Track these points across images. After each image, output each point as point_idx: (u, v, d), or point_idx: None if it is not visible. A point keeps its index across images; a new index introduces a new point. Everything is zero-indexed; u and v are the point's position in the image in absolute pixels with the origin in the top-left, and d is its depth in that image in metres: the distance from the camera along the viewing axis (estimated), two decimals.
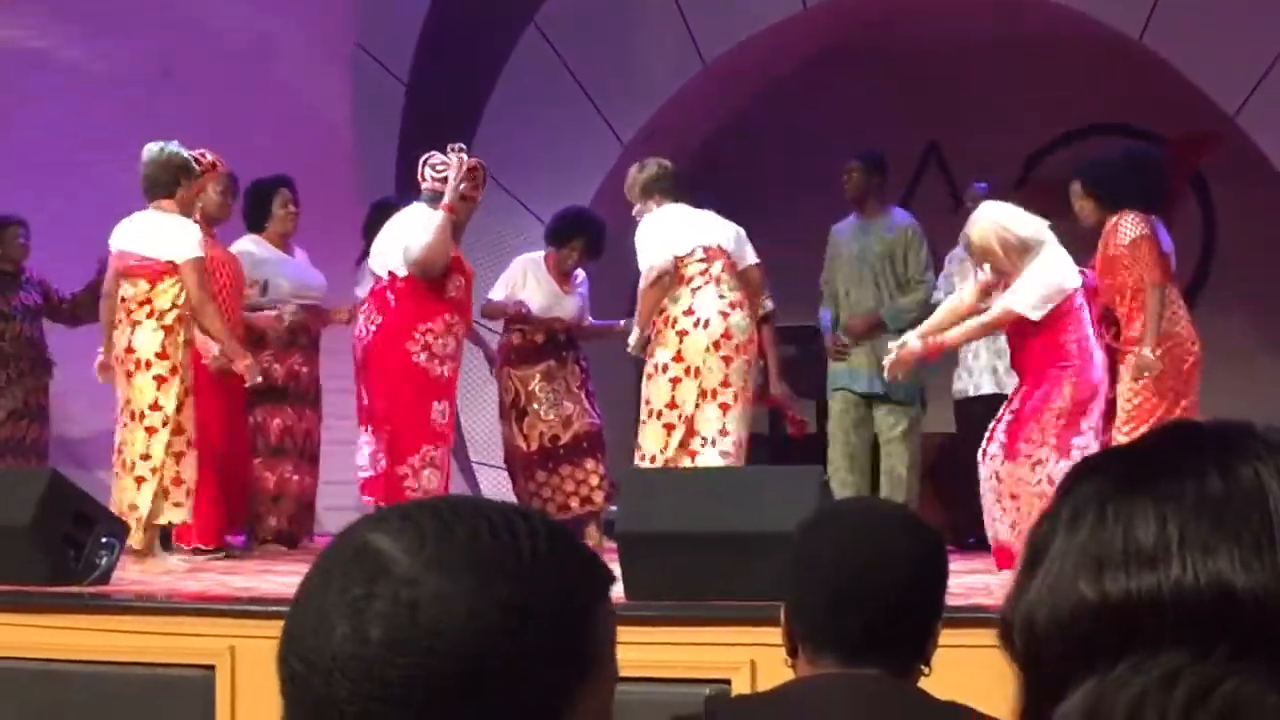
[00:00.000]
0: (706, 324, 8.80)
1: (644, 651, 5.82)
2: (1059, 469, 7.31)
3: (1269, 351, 11.73)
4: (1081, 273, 7.87)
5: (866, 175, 10.07)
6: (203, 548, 9.15)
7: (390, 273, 8.89)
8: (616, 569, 6.43)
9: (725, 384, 8.76)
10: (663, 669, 5.87)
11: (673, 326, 8.83)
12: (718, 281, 8.88)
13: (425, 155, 9.12)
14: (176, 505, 8.38)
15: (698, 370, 8.75)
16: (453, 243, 8.93)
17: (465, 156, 8.98)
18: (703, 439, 8.74)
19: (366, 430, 8.95)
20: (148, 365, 8.39)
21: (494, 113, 11.92)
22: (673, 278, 8.87)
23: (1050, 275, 7.60)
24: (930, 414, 10.19)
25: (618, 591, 6.03)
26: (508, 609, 1.27)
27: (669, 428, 8.78)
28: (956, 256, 9.89)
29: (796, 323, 10.52)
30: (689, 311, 8.83)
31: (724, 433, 8.74)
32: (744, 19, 11.55)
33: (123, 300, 8.50)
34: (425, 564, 1.27)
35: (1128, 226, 8.10)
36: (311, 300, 9.99)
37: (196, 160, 9.03)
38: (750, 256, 9.09)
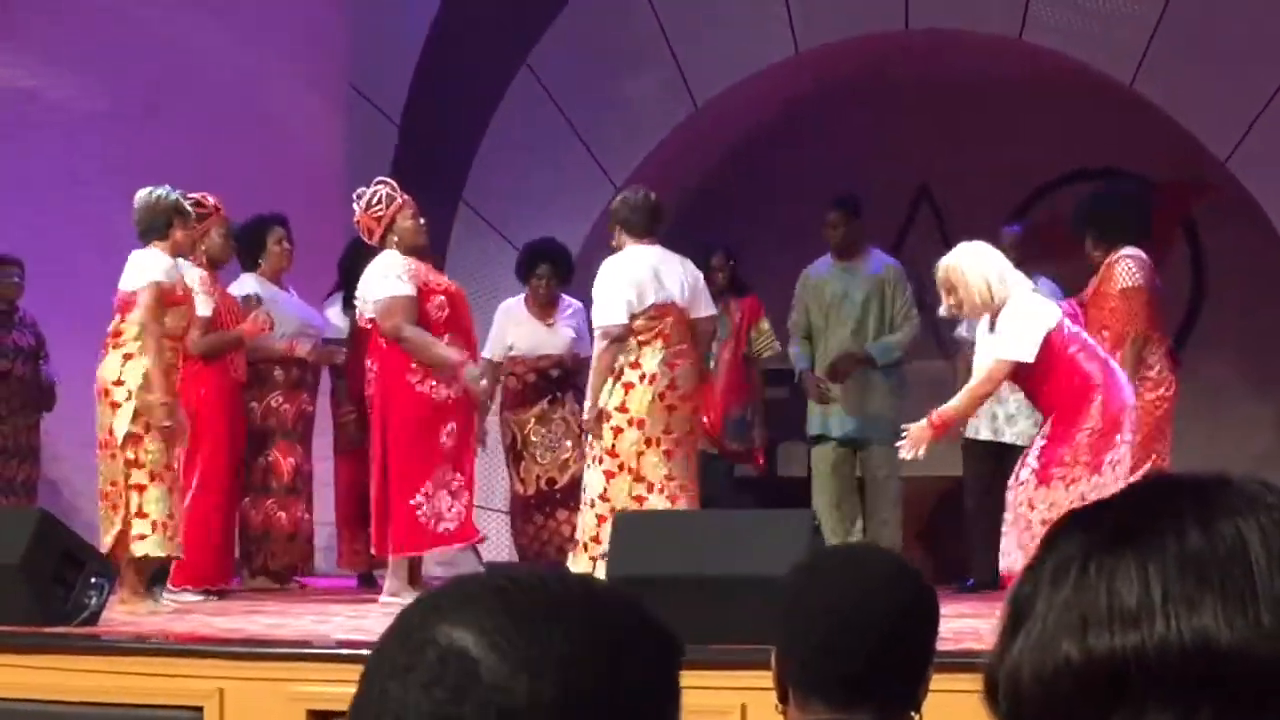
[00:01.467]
0: (653, 379, 8.90)
1: None
2: (1094, 483, 7.30)
3: (1257, 394, 11.74)
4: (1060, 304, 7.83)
5: (849, 223, 10.08)
6: (193, 589, 9.13)
7: (371, 320, 8.96)
8: None
9: (667, 431, 8.89)
10: None
11: (619, 379, 8.92)
12: (666, 337, 8.96)
13: (357, 195, 9.15)
14: (141, 538, 8.31)
15: (642, 422, 8.86)
16: (424, 270, 8.94)
17: (357, 205, 9.05)
18: (648, 484, 8.84)
19: (385, 473, 8.93)
20: (105, 393, 8.39)
21: (486, 154, 11.94)
22: (628, 332, 8.93)
23: (1029, 313, 7.58)
24: (933, 457, 10.19)
25: None
26: (598, 706, 1.26)
27: (609, 475, 8.87)
28: None
29: (787, 366, 10.53)
30: (635, 365, 8.93)
31: (670, 477, 8.85)
32: (736, 61, 11.57)
33: (107, 334, 8.55)
34: (513, 668, 1.24)
35: (1124, 273, 8.13)
36: (313, 337, 10.04)
37: (199, 203, 9.06)
38: (704, 308, 9.16)
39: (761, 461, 10.61)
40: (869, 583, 2.77)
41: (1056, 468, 7.52)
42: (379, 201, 9.01)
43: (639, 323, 8.94)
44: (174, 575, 9.01)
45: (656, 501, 8.80)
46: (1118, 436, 7.52)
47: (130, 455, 8.32)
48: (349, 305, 10.02)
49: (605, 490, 8.87)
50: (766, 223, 11.87)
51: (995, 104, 11.96)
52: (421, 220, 9.08)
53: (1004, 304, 7.56)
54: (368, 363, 9.04)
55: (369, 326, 9.00)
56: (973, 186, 11.75)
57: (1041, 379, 7.64)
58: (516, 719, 1.24)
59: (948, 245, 12.17)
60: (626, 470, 8.85)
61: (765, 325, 10.40)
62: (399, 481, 8.83)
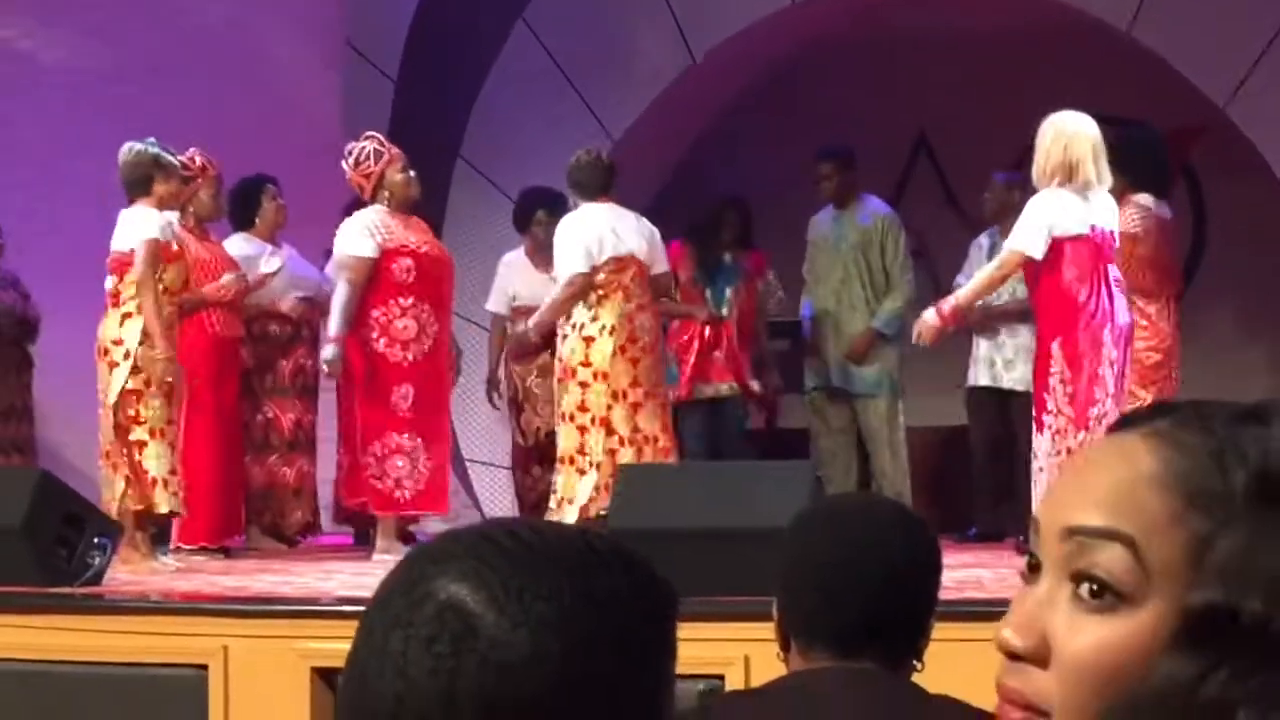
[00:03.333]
0: (612, 330, 9.00)
1: None
2: (1080, 439, 7.31)
3: (1257, 344, 11.74)
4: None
5: (842, 173, 10.09)
6: (209, 546, 9.15)
7: None
8: None
9: (634, 384, 8.98)
10: None
11: (580, 332, 9.02)
12: (626, 290, 9.06)
13: (347, 151, 9.15)
14: (138, 496, 8.33)
15: (606, 375, 8.95)
16: (403, 228, 8.94)
17: (346, 162, 9.06)
18: (619, 438, 8.93)
19: (342, 428, 9.03)
20: (105, 351, 8.40)
21: (482, 109, 11.92)
22: (589, 283, 9.03)
23: (1044, 213, 7.58)
24: (935, 406, 10.20)
25: None
26: (595, 660, 1.27)
27: (582, 430, 8.97)
28: (978, 244, 9.91)
29: (789, 318, 10.53)
30: (595, 318, 9.04)
31: (637, 429, 8.96)
32: (733, 12, 11.54)
33: (106, 295, 8.55)
34: (512, 623, 1.25)
35: (1126, 220, 8.12)
36: (306, 293, 10.02)
37: (187, 163, 9.03)
38: (661, 264, 9.27)
39: (773, 410, 10.66)
40: (872, 531, 2.76)
41: (1045, 414, 7.54)
42: (367, 158, 9.00)
43: (601, 275, 9.04)
44: (177, 533, 9.02)
45: (627, 454, 8.90)
46: (1096, 390, 7.51)
47: (130, 412, 8.33)
48: None
49: (581, 445, 8.96)
50: (765, 174, 11.84)
51: (993, 53, 11.93)
52: (412, 173, 9.07)
53: (1045, 187, 7.59)
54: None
55: None
56: (971, 136, 11.72)
57: (1038, 288, 7.68)
58: (515, 673, 1.24)
59: (947, 195, 12.25)
60: (598, 424, 8.95)
61: (771, 277, 10.42)
62: (356, 436, 8.88)
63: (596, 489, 8.90)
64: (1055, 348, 7.55)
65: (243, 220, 9.95)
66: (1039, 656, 1.17)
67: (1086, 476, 1.19)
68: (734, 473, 7.44)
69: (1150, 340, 8.33)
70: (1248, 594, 1.09)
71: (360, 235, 8.91)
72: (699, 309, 10.11)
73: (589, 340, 9.01)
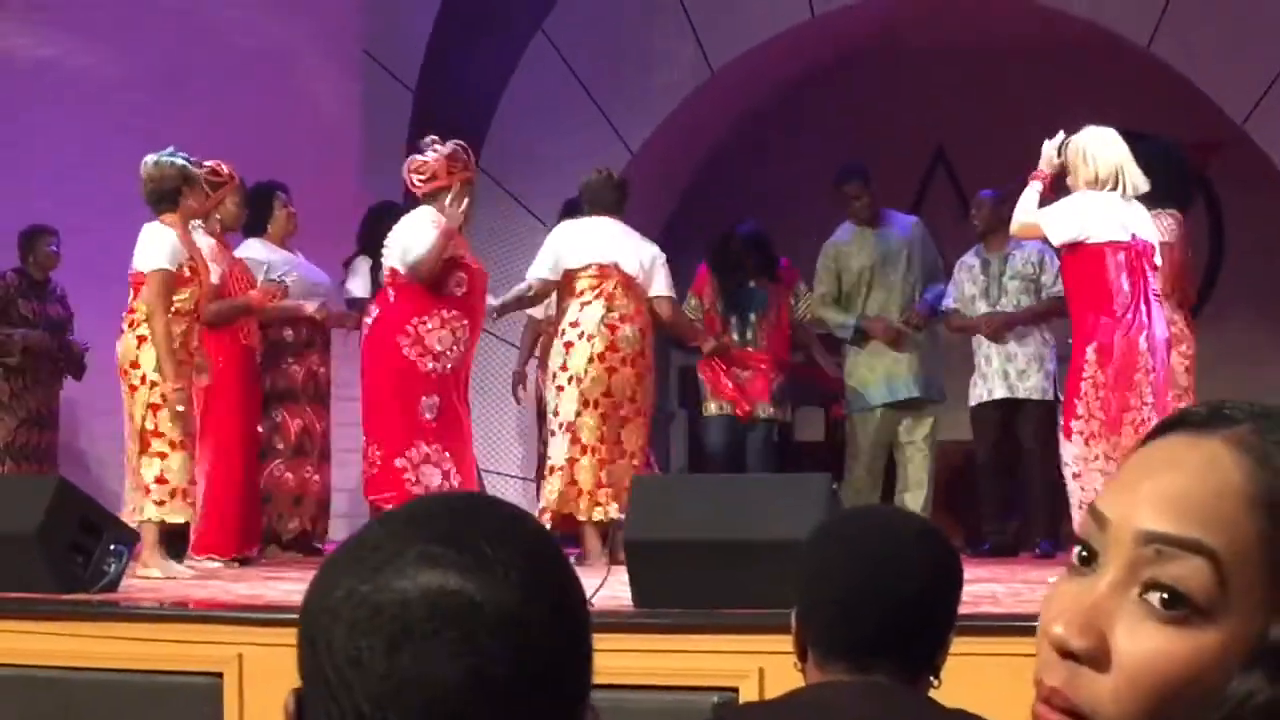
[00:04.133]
0: (590, 337, 9.05)
1: (651, 659, 5.82)
2: (1114, 443, 7.31)
3: (1275, 356, 11.72)
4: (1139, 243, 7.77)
5: (869, 190, 10.07)
6: (216, 557, 9.15)
7: (392, 269, 8.92)
8: (624, 575, 6.43)
9: (607, 394, 9.04)
10: (670, 676, 5.86)
11: (561, 338, 9.13)
12: (610, 298, 9.10)
13: (408, 161, 9.11)
14: (159, 504, 8.34)
15: (579, 380, 9.02)
16: (458, 239, 8.94)
17: (439, 148, 8.95)
18: (581, 446, 9.02)
19: (366, 433, 8.99)
20: (124, 372, 8.42)
21: (501, 120, 11.93)
22: (549, 288, 9.20)
23: (1084, 210, 7.61)
24: (945, 422, 10.20)
25: (626, 599, 6.00)
26: (557, 572, 1.31)
27: (552, 434, 9.15)
28: (965, 264, 9.93)
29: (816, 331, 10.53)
30: (574, 324, 9.11)
31: (602, 440, 9.03)
32: (752, 26, 11.55)
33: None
34: (496, 578, 1.27)
35: (1163, 229, 8.15)
36: (320, 298, 10.05)
37: (214, 172, 9.05)
38: (661, 287, 9.27)
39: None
40: (892, 544, 2.76)
41: (1074, 420, 7.53)
42: (460, 160, 8.96)
43: (582, 281, 9.10)
44: (195, 543, 9.02)
45: (586, 464, 8.98)
46: (1130, 398, 7.51)
47: (150, 425, 8.35)
48: (377, 270, 10.07)
49: (554, 451, 9.10)
50: (783, 186, 11.86)
51: (1011, 66, 11.93)
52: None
53: (1088, 190, 7.61)
54: (375, 311, 9.01)
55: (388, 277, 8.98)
56: (988, 149, 11.71)
57: (1072, 288, 7.74)
58: (523, 629, 1.26)
59: (964, 208, 12.24)
60: (565, 429, 9.03)
61: (802, 288, 10.36)
62: (384, 439, 8.84)
63: (561, 496, 8.95)
64: (1090, 352, 7.55)
65: (254, 227, 9.97)
66: (1096, 658, 1.13)
67: (1166, 478, 1.15)
68: (749, 485, 7.44)
69: (1179, 346, 8.32)
70: None
71: (431, 225, 8.86)
72: (706, 339, 10.06)
73: (568, 346, 9.09)
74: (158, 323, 8.35)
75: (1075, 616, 1.14)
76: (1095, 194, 7.63)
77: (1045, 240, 7.89)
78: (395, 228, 9.03)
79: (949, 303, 9.91)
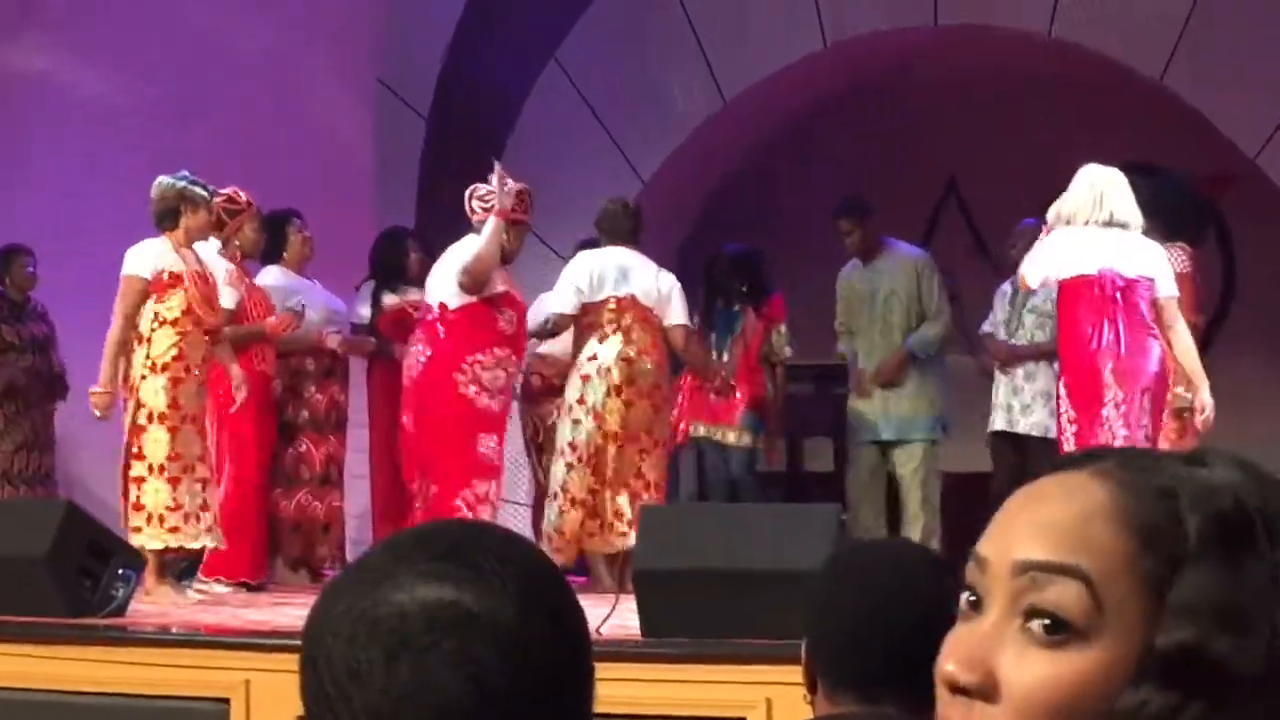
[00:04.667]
0: (608, 372, 9.09)
1: (659, 689, 5.81)
2: None
3: None
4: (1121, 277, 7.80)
5: (862, 226, 10.03)
6: (225, 580, 9.14)
7: (441, 304, 8.92)
8: (633, 605, 6.42)
9: (624, 426, 9.10)
10: (679, 706, 5.85)
11: (577, 370, 9.15)
12: (626, 332, 9.15)
13: (470, 189, 9.14)
14: (136, 530, 8.31)
15: (599, 414, 9.07)
16: (505, 276, 8.93)
17: (509, 182, 9.03)
18: (602, 478, 9.08)
19: (418, 471, 8.94)
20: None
21: (514, 148, 11.94)
22: (569, 321, 9.20)
23: (1046, 250, 7.73)
24: (960, 452, 10.18)
25: (634, 628, 5.99)
26: (552, 586, 1.33)
27: (569, 466, 9.10)
28: (1002, 290, 9.90)
29: (812, 361, 10.52)
30: (593, 358, 9.15)
31: (620, 472, 9.08)
32: (765, 56, 11.57)
33: None
34: (491, 589, 1.28)
35: (1175, 261, 8.16)
36: (339, 325, 10.06)
37: (231, 199, 9.09)
38: (678, 316, 9.31)
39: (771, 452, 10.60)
40: (899, 576, 2.76)
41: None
42: (523, 201, 9.03)
43: (600, 316, 9.15)
44: (206, 565, 9.01)
45: (608, 496, 9.01)
46: (1099, 431, 7.57)
47: (134, 448, 8.35)
48: (379, 296, 10.08)
49: (565, 482, 9.07)
50: (794, 217, 11.86)
51: (1023, 98, 11.94)
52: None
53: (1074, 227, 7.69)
54: (420, 346, 9.01)
55: (433, 309, 8.97)
56: (1000, 180, 11.73)
57: (1058, 323, 7.92)
58: (520, 642, 1.28)
59: (976, 239, 12.24)
60: (584, 462, 9.03)
61: (783, 329, 10.33)
62: (442, 477, 8.83)
63: (580, 526, 8.98)
64: (1062, 387, 7.74)
65: (270, 254, 9.98)
66: (985, 691, 1.17)
67: (1035, 511, 1.20)
68: (759, 515, 7.43)
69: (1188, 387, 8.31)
70: (1215, 634, 1.12)
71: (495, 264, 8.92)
72: (716, 374, 10.06)
73: (585, 379, 9.11)
74: (115, 325, 8.39)
75: (963, 653, 1.19)
76: (1066, 230, 7.71)
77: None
78: (443, 261, 9.03)
79: (985, 327, 9.91)
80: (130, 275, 8.44)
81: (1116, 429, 7.56)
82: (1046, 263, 7.72)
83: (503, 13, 11.92)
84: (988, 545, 1.22)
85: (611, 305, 9.15)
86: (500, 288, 8.94)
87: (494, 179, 8.97)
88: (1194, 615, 1.13)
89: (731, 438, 10.11)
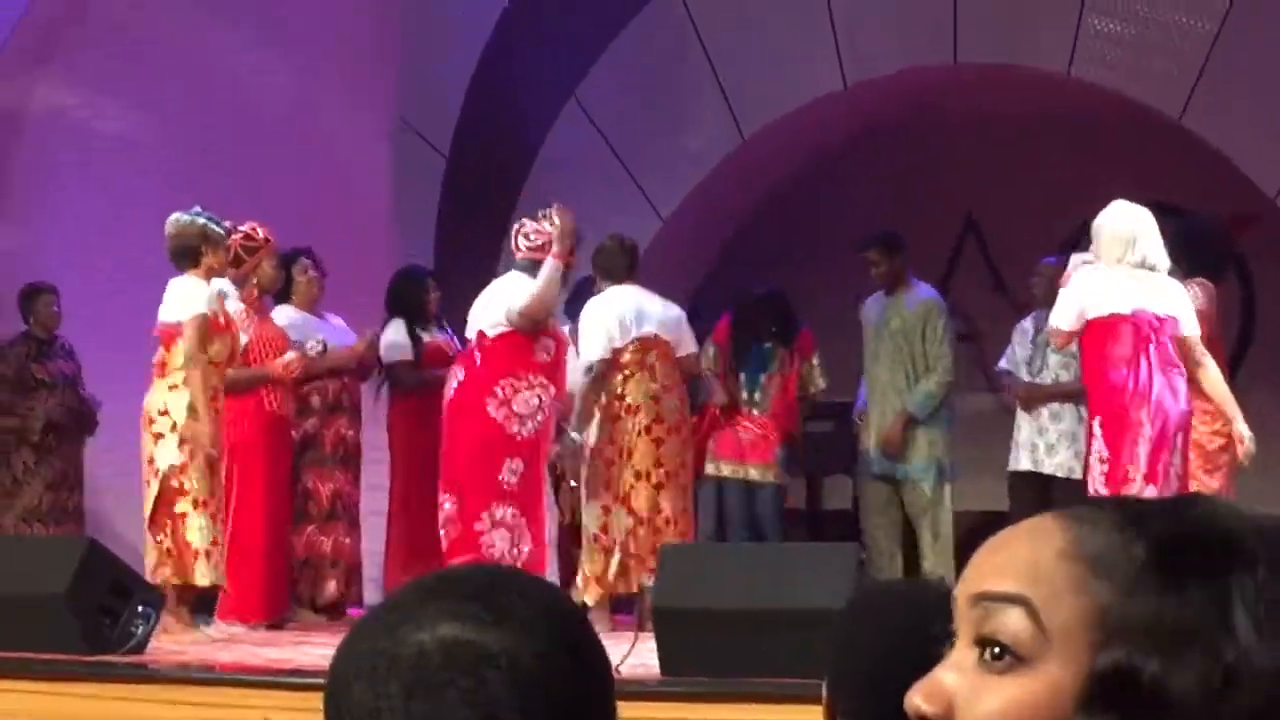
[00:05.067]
0: (637, 411, 9.15)
1: None
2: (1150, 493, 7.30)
3: None
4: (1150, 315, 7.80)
5: (890, 259, 10.02)
6: (239, 624, 9.11)
7: (480, 332, 8.95)
8: (653, 643, 6.42)
9: (658, 464, 9.13)
10: None
11: (606, 412, 9.12)
12: (651, 369, 9.21)
13: (516, 225, 9.15)
14: (174, 566, 8.32)
15: (630, 452, 9.11)
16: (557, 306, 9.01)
17: (557, 224, 8.99)
18: (639, 517, 9.10)
19: (446, 494, 8.95)
20: (150, 422, 8.44)
21: (533, 186, 11.97)
22: (610, 366, 9.14)
23: (1078, 290, 7.70)
24: (979, 489, 10.15)
25: (653, 666, 5.97)
26: (573, 624, 1.34)
27: (605, 509, 9.14)
28: (1021, 328, 9.89)
29: (831, 399, 10.52)
30: (620, 397, 9.17)
31: (658, 510, 9.12)
32: (784, 94, 11.58)
33: (152, 365, 8.60)
34: (508, 630, 1.29)
35: (1197, 297, 8.17)
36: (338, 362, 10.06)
37: (249, 235, 9.10)
38: (688, 345, 9.40)
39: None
40: (917, 616, 2.76)
41: (1125, 486, 7.52)
42: (570, 240, 9.01)
43: (625, 357, 9.16)
44: (221, 608, 8.97)
45: (645, 534, 9.03)
46: (1131, 470, 7.56)
47: (174, 484, 8.35)
48: (414, 328, 10.07)
49: (606, 524, 9.09)
50: (814, 255, 11.87)
51: (1043, 138, 11.94)
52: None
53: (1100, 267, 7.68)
54: (459, 372, 9.02)
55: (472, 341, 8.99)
56: (1020, 220, 11.73)
57: (1083, 363, 7.88)
58: (539, 682, 1.28)
59: (995, 278, 12.24)
60: (620, 502, 9.07)
61: (815, 361, 10.35)
62: (463, 499, 8.85)
63: (621, 567, 9.00)
64: (1096, 426, 7.67)
65: (282, 293, 9.95)
66: None
67: (996, 551, 1.25)
68: (778, 554, 7.44)
69: (1212, 424, 8.30)
70: (1148, 656, 1.15)
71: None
72: (719, 390, 10.08)
73: (615, 420, 9.13)
74: (195, 367, 8.38)
75: (929, 686, 1.24)
76: (1096, 270, 7.70)
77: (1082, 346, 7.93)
78: (485, 295, 9.04)
79: (1004, 364, 9.88)
80: (198, 315, 8.42)
81: (1142, 467, 7.56)
82: (1077, 304, 7.70)
83: (523, 51, 11.96)
84: (959, 585, 1.26)
85: (635, 345, 9.19)
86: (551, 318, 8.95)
87: (552, 218, 8.94)
88: (1129, 637, 1.16)
89: (755, 474, 10.11)
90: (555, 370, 9.02)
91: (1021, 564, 1.22)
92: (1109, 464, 7.58)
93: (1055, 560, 1.20)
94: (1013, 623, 1.19)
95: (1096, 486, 7.59)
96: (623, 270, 9.36)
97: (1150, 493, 7.53)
